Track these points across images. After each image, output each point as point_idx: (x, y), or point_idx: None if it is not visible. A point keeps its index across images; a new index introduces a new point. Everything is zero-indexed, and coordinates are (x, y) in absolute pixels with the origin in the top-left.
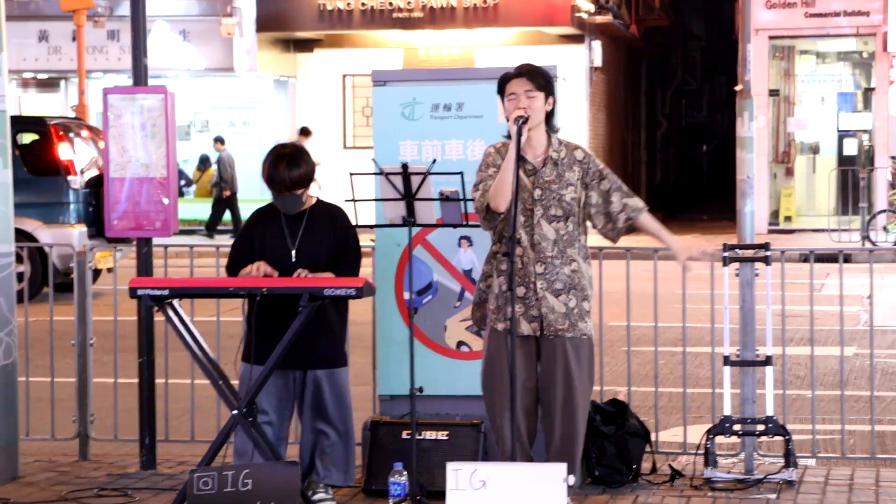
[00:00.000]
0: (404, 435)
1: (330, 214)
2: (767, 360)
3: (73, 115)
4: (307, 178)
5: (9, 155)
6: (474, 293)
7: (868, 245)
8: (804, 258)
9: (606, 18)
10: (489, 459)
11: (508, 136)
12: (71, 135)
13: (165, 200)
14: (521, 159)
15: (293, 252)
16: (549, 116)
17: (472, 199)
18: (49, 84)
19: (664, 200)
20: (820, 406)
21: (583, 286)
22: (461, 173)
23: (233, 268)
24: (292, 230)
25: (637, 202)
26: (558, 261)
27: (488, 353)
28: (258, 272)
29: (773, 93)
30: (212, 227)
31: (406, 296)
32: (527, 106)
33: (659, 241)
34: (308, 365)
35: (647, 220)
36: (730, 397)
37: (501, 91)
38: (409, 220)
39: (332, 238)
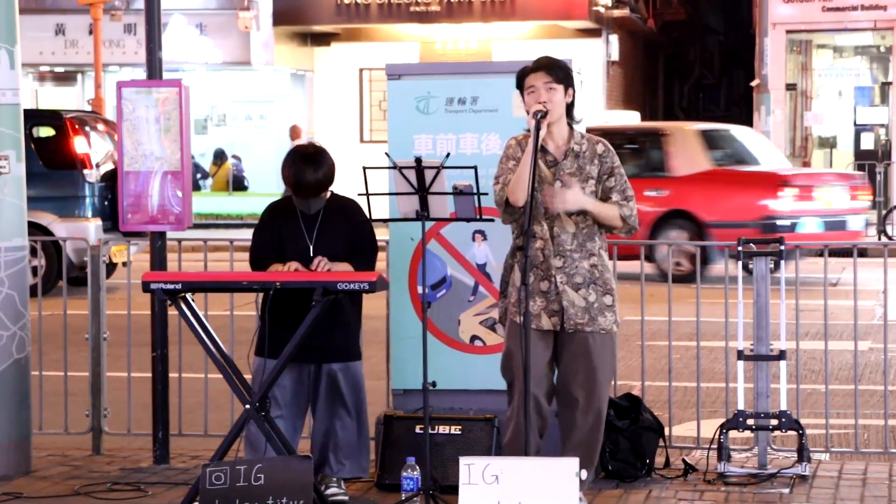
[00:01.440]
0: (417, 429)
1: (346, 209)
2: (781, 355)
3: (89, 108)
4: (332, 179)
5: (22, 148)
6: (500, 286)
7: (884, 239)
8: (819, 252)
9: (624, 12)
10: (502, 454)
11: (529, 130)
12: (87, 128)
13: (179, 194)
14: (542, 151)
15: (311, 248)
16: (570, 108)
17: (486, 194)
18: (65, 78)
19: None
20: (834, 401)
21: (605, 280)
22: (475, 167)
23: (258, 262)
24: (309, 226)
25: (626, 211)
26: (577, 254)
27: (507, 347)
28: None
29: (791, 87)
30: None
31: (420, 290)
32: (546, 99)
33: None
34: (323, 359)
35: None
36: (743, 392)
37: (520, 85)
38: (423, 214)
39: (348, 232)
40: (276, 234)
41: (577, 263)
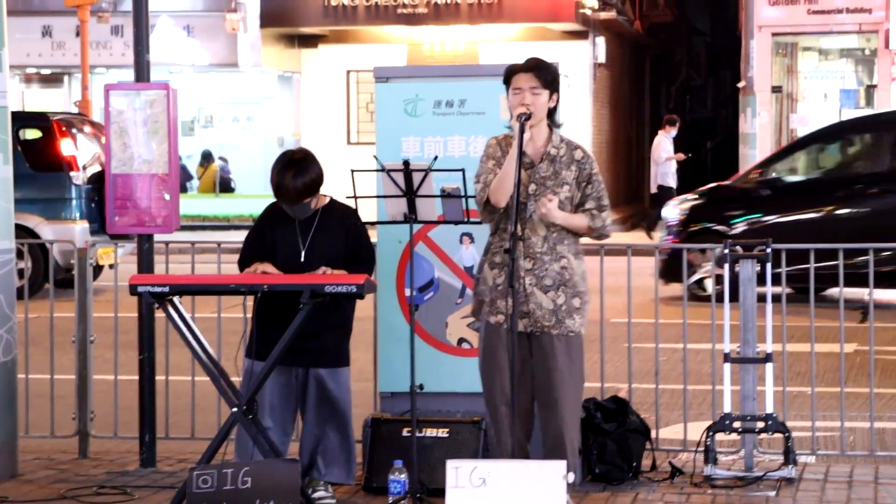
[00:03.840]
0: (405, 432)
1: (342, 215)
2: (768, 357)
3: (76, 110)
4: (315, 186)
5: (9, 150)
6: (473, 285)
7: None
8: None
9: (610, 14)
10: (489, 457)
11: (511, 129)
12: (74, 130)
13: (167, 196)
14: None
15: (303, 252)
16: (552, 112)
17: (474, 196)
18: (52, 79)
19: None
20: (820, 403)
21: (574, 283)
22: (463, 170)
23: (245, 262)
24: (304, 230)
25: (598, 222)
26: (548, 257)
27: (483, 347)
28: (258, 273)
29: (776, 89)
30: None
31: (407, 292)
32: (530, 102)
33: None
34: (311, 363)
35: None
36: (730, 394)
37: (507, 82)
38: (411, 216)
39: (343, 239)
40: (269, 236)
41: (547, 266)
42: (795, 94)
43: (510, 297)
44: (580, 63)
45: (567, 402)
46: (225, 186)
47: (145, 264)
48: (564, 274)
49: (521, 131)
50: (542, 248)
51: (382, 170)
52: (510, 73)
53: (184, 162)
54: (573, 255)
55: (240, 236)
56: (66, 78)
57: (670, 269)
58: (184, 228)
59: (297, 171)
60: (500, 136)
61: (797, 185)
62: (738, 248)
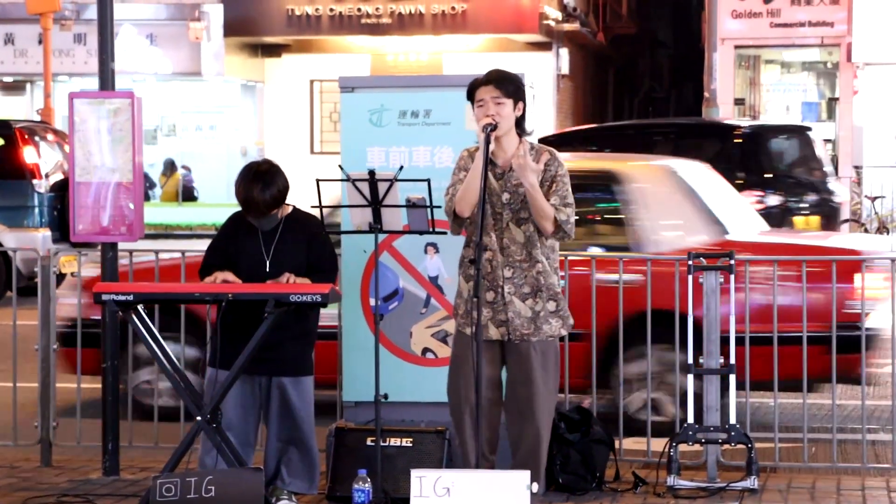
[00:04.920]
0: (369, 441)
1: (305, 224)
2: (731, 368)
3: (38, 118)
4: (282, 198)
5: None
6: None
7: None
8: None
9: (574, 26)
10: (453, 466)
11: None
12: (36, 138)
13: (131, 205)
14: (491, 163)
15: (267, 262)
16: (520, 121)
17: (439, 206)
18: (15, 87)
19: None
20: (783, 414)
21: (549, 285)
22: (428, 180)
23: (206, 269)
24: (267, 240)
25: (562, 215)
26: (526, 264)
27: (454, 356)
28: (218, 282)
29: (739, 101)
30: None
31: (372, 302)
32: (495, 113)
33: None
34: (274, 371)
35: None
36: (693, 405)
37: (471, 97)
38: (376, 226)
39: (307, 248)
40: (232, 244)
41: (526, 273)
42: (758, 106)
43: (485, 307)
44: (544, 74)
45: (544, 410)
46: (188, 195)
47: (109, 273)
48: (540, 279)
49: (487, 142)
50: (520, 255)
51: (348, 179)
52: (472, 88)
53: (146, 170)
54: (545, 258)
55: (203, 245)
56: (28, 86)
57: None
58: (147, 237)
59: (264, 184)
60: (473, 147)
61: None
62: (701, 259)
